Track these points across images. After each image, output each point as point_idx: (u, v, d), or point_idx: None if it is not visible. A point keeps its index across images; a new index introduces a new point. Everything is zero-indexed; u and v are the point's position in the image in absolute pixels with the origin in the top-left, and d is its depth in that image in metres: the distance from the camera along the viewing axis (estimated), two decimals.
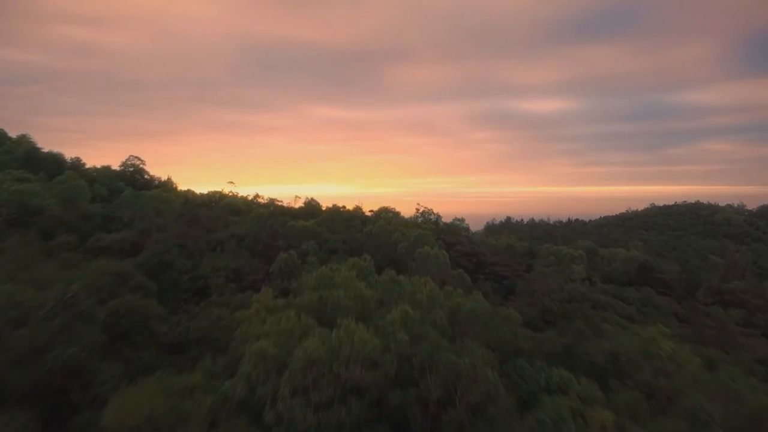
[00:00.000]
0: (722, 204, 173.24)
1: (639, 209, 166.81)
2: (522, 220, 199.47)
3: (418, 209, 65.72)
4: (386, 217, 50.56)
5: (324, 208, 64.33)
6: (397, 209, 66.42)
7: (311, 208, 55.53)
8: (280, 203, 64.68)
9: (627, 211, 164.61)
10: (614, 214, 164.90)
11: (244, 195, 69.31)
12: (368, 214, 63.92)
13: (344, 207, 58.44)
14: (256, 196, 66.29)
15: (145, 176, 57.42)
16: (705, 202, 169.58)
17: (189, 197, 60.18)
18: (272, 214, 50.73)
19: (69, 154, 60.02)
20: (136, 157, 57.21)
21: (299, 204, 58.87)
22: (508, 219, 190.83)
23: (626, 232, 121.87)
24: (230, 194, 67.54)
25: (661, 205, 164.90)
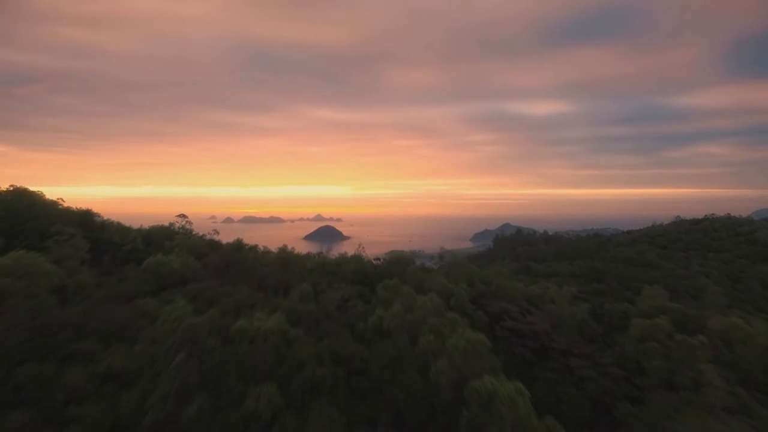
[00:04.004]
0: (744, 214, 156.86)
1: (664, 222, 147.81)
2: (533, 231, 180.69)
3: (442, 256, 45.57)
4: (403, 290, 30.16)
5: (306, 249, 43.99)
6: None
7: (285, 262, 35.19)
8: (249, 247, 44.35)
9: (653, 225, 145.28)
10: (639, 228, 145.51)
11: (201, 234, 48.84)
12: (375, 262, 43.61)
13: (337, 258, 38.35)
14: (212, 242, 45.49)
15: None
16: (737, 215, 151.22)
17: (103, 241, 39.58)
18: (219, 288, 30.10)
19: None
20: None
21: (271, 257, 38.58)
22: (519, 231, 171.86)
23: (667, 256, 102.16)
24: (181, 231, 47.10)
25: (690, 218, 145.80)
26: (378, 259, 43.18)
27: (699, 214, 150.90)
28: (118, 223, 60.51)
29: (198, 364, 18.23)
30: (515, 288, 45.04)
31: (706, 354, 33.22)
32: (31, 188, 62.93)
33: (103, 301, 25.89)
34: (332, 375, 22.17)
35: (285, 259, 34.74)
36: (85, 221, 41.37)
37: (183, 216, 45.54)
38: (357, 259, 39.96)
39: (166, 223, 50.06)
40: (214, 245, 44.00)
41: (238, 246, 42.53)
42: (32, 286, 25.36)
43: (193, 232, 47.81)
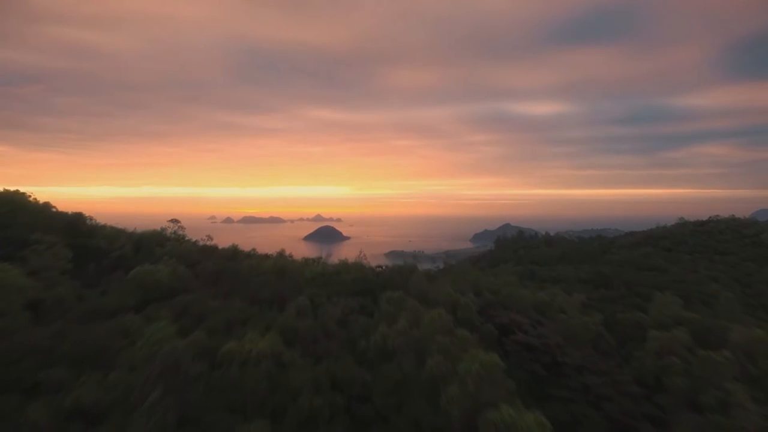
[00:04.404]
0: (744, 214, 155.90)
1: (667, 224, 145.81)
2: (535, 232, 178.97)
3: (447, 261, 43.16)
4: (408, 303, 27.90)
5: (303, 259, 41.64)
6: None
7: (282, 271, 32.76)
8: (244, 253, 42.11)
9: (656, 227, 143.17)
10: (642, 230, 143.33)
11: (195, 239, 46.46)
12: (377, 269, 41.27)
13: (336, 265, 35.94)
14: (206, 248, 43.10)
15: None
16: (741, 216, 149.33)
17: (90, 248, 37.27)
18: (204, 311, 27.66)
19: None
20: None
21: (267, 265, 36.11)
22: (521, 233, 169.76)
23: (673, 259, 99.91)
24: (174, 236, 44.74)
25: (693, 220, 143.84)
26: (380, 266, 40.87)
27: (699, 214, 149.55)
28: (111, 227, 58.04)
29: (179, 397, 15.92)
30: (524, 297, 42.77)
31: (732, 371, 30.91)
32: (25, 189, 60.44)
33: (80, 319, 23.59)
34: (331, 403, 19.87)
35: (281, 268, 32.38)
36: (71, 226, 39.00)
37: (175, 221, 43.21)
38: (358, 266, 37.62)
39: (161, 227, 47.76)
40: (207, 251, 41.68)
41: (233, 253, 40.20)
42: (2, 303, 23.04)
43: (186, 238, 45.50)
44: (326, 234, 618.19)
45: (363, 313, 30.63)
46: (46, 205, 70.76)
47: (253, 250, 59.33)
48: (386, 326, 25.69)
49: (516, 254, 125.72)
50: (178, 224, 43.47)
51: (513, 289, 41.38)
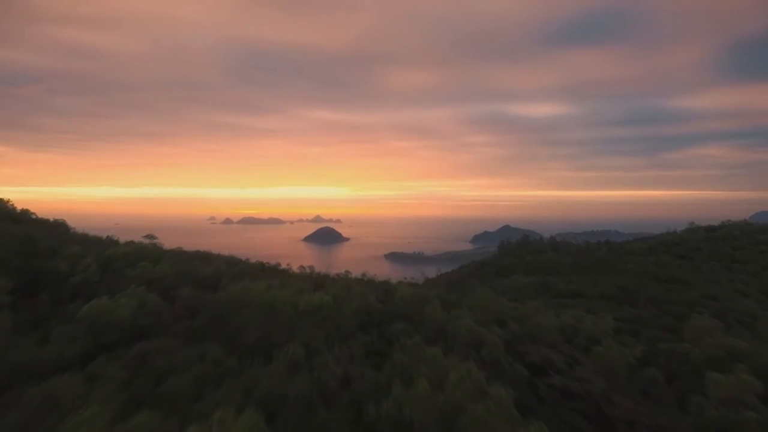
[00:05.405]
0: (744, 216, 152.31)
1: (678, 230, 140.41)
2: (540, 236, 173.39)
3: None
4: (428, 353, 22.04)
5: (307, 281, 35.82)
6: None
7: (270, 307, 26.95)
8: (232, 273, 36.32)
9: (666, 232, 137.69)
10: (652, 234, 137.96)
11: (178, 247, 40.60)
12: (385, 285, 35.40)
13: (339, 298, 29.93)
14: (200, 255, 37.64)
15: None
16: (751, 220, 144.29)
17: (47, 271, 31.40)
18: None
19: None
20: None
21: (255, 292, 30.16)
22: (525, 237, 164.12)
23: (690, 268, 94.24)
24: (150, 251, 38.86)
25: (699, 223, 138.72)
26: (386, 283, 35.04)
27: (699, 215, 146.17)
28: (85, 239, 51.90)
29: None
30: (553, 326, 37.02)
31: None
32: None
33: (1, 382, 17.68)
34: None
35: (269, 303, 26.49)
36: (26, 244, 33.05)
37: (151, 236, 37.33)
38: (361, 294, 31.79)
39: (139, 238, 42.23)
40: (189, 271, 35.76)
41: (216, 276, 34.38)
42: None
43: (165, 248, 39.77)
44: (326, 235, 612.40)
45: (369, 359, 24.79)
46: (24, 213, 64.07)
47: (247, 260, 53.57)
48: (401, 387, 19.82)
49: (523, 260, 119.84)
50: (154, 239, 37.57)
51: (541, 317, 35.58)
